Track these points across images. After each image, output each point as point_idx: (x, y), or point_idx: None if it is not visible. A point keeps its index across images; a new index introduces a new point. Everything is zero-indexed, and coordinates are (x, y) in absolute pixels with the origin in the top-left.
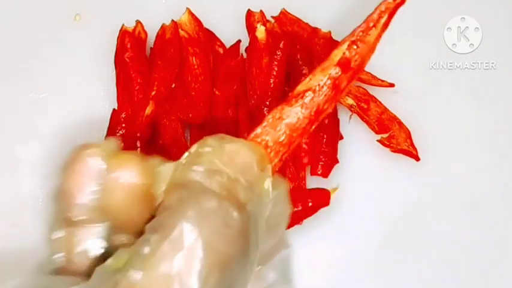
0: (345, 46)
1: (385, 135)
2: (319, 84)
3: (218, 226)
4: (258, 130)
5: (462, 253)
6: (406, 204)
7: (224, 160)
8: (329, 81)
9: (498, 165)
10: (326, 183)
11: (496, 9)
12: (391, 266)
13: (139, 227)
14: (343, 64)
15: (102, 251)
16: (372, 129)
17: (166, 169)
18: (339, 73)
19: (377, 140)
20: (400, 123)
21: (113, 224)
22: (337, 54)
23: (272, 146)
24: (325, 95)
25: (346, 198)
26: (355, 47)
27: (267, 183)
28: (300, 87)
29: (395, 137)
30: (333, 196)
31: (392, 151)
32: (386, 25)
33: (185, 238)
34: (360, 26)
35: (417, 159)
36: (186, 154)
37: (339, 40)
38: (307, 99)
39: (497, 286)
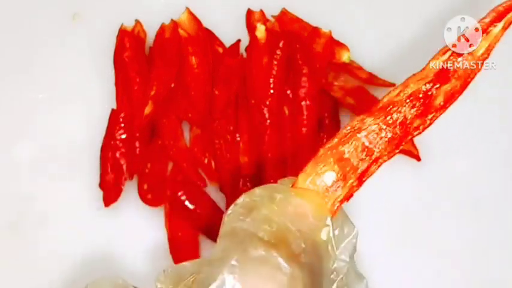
0: (445, 56)
1: None
2: (408, 96)
3: (264, 277)
4: (334, 141)
5: (462, 253)
6: (406, 204)
7: (274, 209)
8: (420, 93)
9: (498, 165)
10: None
11: None
12: (391, 266)
13: None
14: (440, 76)
15: None
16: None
17: None
18: (433, 85)
19: None
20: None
21: None
22: (434, 64)
23: (348, 160)
24: (414, 109)
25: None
26: (458, 59)
27: (325, 233)
28: (386, 99)
29: None
30: None
31: None
32: (499, 37)
33: None
34: (465, 33)
35: (418, 159)
36: (232, 206)
37: (339, 40)
38: (392, 111)
39: (498, 286)
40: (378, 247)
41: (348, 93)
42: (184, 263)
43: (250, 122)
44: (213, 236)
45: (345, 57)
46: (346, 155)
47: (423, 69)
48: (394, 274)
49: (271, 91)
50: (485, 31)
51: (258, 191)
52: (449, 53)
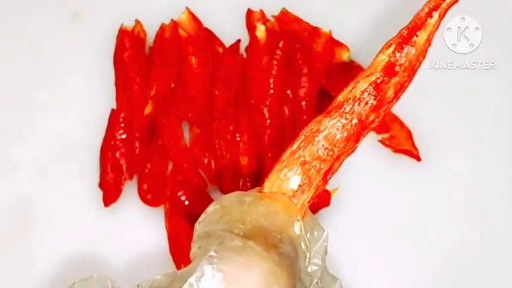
0: (390, 50)
1: (386, 135)
2: (360, 92)
3: (245, 265)
4: (294, 146)
5: (462, 253)
6: (406, 204)
7: (245, 210)
8: (371, 88)
9: (498, 165)
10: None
11: (496, 9)
12: (391, 266)
13: None
14: (388, 69)
15: None
16: (373, 130)
17: None
18: (383, 79)
19: (378, 140)
20: (401, 124)
21: None
22: (381, 59)
23: (311, 162)
24: (368, 104)
25: (346, 199)
26: (402, 51)
27: (297, 227)
28: (340, 97)
29: (396, 137)
30: (333, 197)
31: (393, 151)
32: (437, 25)
33: (206, 279)
34: (405, 27)
35: (418, 159)
36: (203, 214)
37: (339, 40)
38: (347, 109)
39: (498, 286)
40: (378, 247)
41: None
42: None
43: (250, 122)
44: None
45: (345, 57)
46: (308, 158)
47: (371, 64)
48: (394, 274)
49: (271, 91)
50: (423, 23)
51: (226, 198)
52: (393, 46)
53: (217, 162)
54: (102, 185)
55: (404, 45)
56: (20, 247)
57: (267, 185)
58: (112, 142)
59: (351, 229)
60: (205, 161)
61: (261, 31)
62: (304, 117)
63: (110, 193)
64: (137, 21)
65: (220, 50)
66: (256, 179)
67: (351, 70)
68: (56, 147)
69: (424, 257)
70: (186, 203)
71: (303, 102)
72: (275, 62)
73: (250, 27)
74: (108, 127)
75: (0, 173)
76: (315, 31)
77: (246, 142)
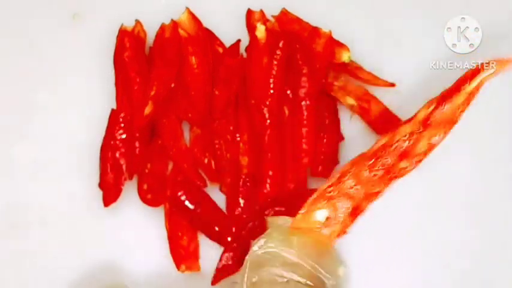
0: (431, 108)
1: None
2: (396, 141)
3: None
4: (325, 185)
5: (462, 253)
6: (406, 204)
7: (295, 253)
8: (405, 138)
9: (498, 166)
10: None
11: (496, 9)
12: (391, 266)
13: None
14: (424, 122)
15: None
16: (373, 130)
17: None
18: (418, 131)
19: None
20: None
21: None
22: (421, 115)
23: (339, 198)
24: (399, 152)
25: None
26: (439, 109)
27: (341, 271)
28: (376, 146)
29: None
30: None
31: None
32: (474, 93)
33: None
34: (446, 90)
35: None
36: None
37: (339, 40)
38: (381, 155)
39: (498, 286)
40: (378, 248)
41: (348, 93)
42: None
43: (250, 122)
44: (213, 236)
45: (345, 57)
46: (335, 194)
47: (412, 118)
48: (394, 275)
49: (271, 91)
50: (460, 88)
51: (274, 233)
52: (433, 105)
53: (217, 162)
54: (102, 185)
55: (441, 105)
56: (19, 247)
57: (299, 218)
58: (112, 142)
59: (350, 229)
60: (205, 161)
61: (261, 31)
62: (304, 117)
63: (110, 193)
64: (137, 21)
65: (220, 50)
66: (256, 179)
67: (351, 70)
68: (56, 147)
69: (423, 257)
70: (186, 203)
71: (303, 102)
72: (275, 62)
73: (250, 27)
74: (108, 127)
75: (0, 173)
76: (315, 31)
77: (246, 142)
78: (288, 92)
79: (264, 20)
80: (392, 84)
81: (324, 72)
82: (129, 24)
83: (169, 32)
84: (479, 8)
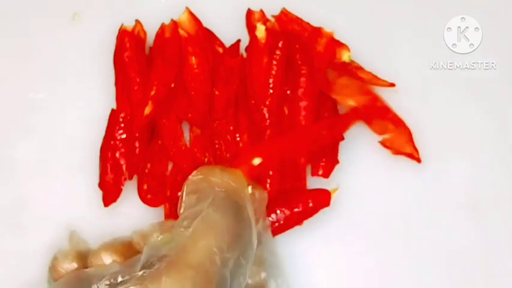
0: None
1: (386, 136)
2: None
3: (228, 208)
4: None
5: (463, 254)
6: (406, 205)
7: (217, 176)
8: None
9: (498, 166)
10: (326, 184)
11: (496, 9)
12: (391, 266)
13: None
14: None
15: None
16: (374, 130)
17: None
18: None
19: (379, 142)
20: (403, 125)
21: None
22: None
23: None
24: None
25: (346, 199)
26: None
27: (249, 189)
28: None
29: (397, 138)
30: (333, 197)
31: (393, 153)
32: None
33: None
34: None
35: (419, 161)
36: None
37: (339, 40)
38: None
39: (498, 286)
40: (378, 247)
41: (350, 93)
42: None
43: (250, 122)
44: None
45: (345, 57)
46: None
47: None
48: (394, 275)
49: (271, 91)
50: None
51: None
52: None
53: (217, 162)
54: (102, 185)
55: None
56: (19, 247)
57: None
58: (112, 142)
59: (350, 229)
60: (205, 161)
61: (261, 31)
62: (303, 117)
63: (110, 193)
64: (137, 21)
65: (220, 50)
66: (255, 179)
67: (351, 70)
68: (55, 147)
69: (423, 257)
70: None
71: (301, 103)
72: (274, 62)
73: (250, 27)
74: (108, 127)
75: (0, 173)
76: (317, 31)
77: (246, 142)
78: (288, 92)
79: (264, 20)
80: (392, 84)
81: (324, 72)
82: (129, 24)
83: (169, 32)
84: (479, 8)
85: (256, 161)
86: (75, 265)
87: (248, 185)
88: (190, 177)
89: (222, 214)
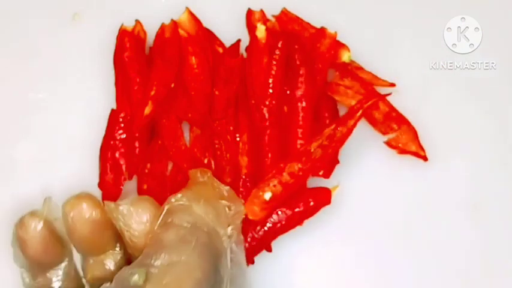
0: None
1: (391, 136)
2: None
3: (208, 258)
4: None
5: (463, 254)
6: (407, 204)
7: (202, 208)
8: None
9: (499, 166)
10: (326, 184)
11: (496, 9)
12: (392, 266)
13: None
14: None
15: None
16: (378, 130)
17: (124, 208)
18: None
19: (384, 142)
20: (408, 123)
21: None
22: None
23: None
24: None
25: (347, 199)
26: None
27: (228, 230)
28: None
29: (402, 137)
30: (334, 197)
31: (398, 153)
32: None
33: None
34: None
35: (425, 159)
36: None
37: (340, 40)
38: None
39: (498, 286)
40: (379, 247)
41: (351, 94)
42: None
43: (250, 122)
44: None
45: (345, 57)
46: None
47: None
48: (394, 274)
49: (271, 91)
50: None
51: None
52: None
53: (217, 162)
54: (101, 185)
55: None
56: None
57: None
58: (112, 142)
59: (351, 227)
60: (205, 161)
61: (261, 31)
62: (300, 118)
63: (110, 193)
64: (137, 21)
65: (220, 50)
66: (256, 179)
67: (351, 70)
68: (55, 147)
69: (423, 257)
70: None
71: (299, 104)
72: (274, 62)
73: (250, 27)
74: (108, 127)
75: (0, 173)
76: (321, 31)
77: (246, 142)
78: (288, 92)
79: (264, 20)
80: (393, 84)
81: (325, 72)
82: (129, 24)
83: (169, 32)
84: (479, 8)
85: (267, 195)
86: (41, 225)
87: (225, 195)
88: (173, 200)
89: (201, 262)
